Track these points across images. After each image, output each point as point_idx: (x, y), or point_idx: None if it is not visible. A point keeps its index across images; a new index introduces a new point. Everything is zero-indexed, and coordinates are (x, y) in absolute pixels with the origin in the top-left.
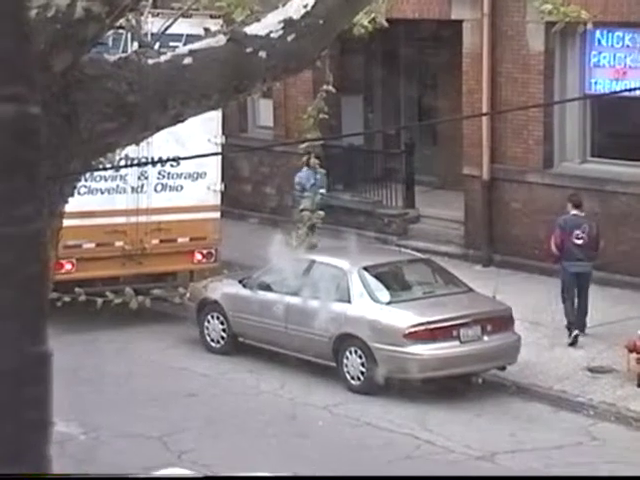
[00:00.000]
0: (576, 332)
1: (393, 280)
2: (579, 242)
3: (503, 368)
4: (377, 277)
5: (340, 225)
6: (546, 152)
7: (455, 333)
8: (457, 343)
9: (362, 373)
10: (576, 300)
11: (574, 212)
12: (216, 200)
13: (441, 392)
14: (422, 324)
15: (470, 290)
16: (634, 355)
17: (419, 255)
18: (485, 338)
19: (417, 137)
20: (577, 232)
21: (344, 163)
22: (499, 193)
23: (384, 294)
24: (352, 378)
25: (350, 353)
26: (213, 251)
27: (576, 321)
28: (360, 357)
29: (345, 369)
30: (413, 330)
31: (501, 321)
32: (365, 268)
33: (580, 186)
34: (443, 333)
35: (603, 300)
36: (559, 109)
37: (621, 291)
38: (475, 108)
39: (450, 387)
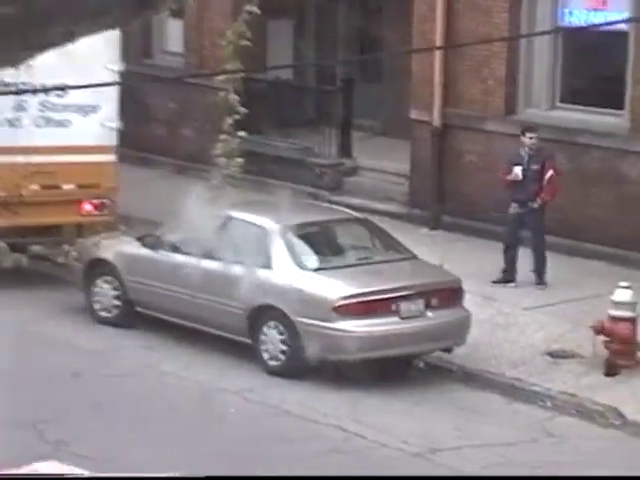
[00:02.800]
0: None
1: (323, 243)
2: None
3: (449, 350)
4: (304, 239)
5: (263, 175)
6: (509, 95)
7: (394, 307)
8: (396, 319)
9: (283, 352)
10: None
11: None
12: (112, 140)
13: (376, 376)
14: (355, 296)
15: (414, 257)
16: (602, 338)
17: (355, 214)
18: (429, 314)
19: (357, 73)
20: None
21: (269, 101)
22: (452, 142)
23: (312, 259)
24: (271, 358)
25: (269, 328)
26: (107, 202)
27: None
28: (281, 333)
29: (263, 347)
30: (344, 303)
31: (449, 294)
32: (290, 228)
33: (547, 137)
34: (380, 307)
35: (568, 273)
36: (526, 44)
37: (591, 263)
38: (427, 40)
39: (386, 371)
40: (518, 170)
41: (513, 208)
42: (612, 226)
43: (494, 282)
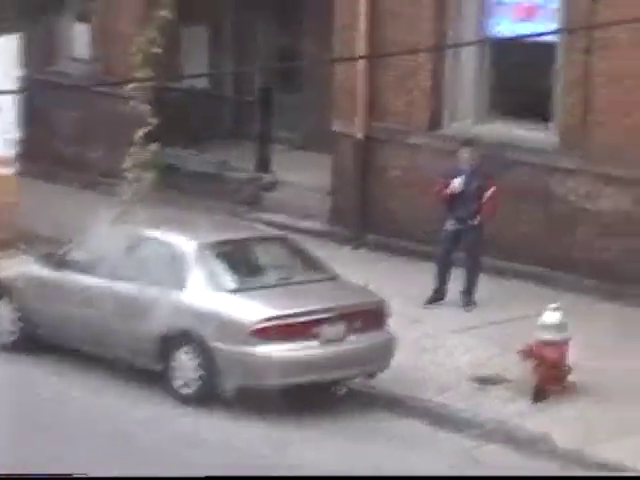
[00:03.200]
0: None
1: (241, 262)
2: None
3: (373, 375)
4: (220, 258)
5: (177, 191)
6: (434, 108)
7: (315, 331)
8: (316, 343)
9: (196, 379)
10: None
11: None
12: (9, 151)
13: (295, 404)
14: (274, 318)
15: (336, 277)
16: (530, 362)
17: (274, 232)
18: (352, 337)
19: (276, 82)
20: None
21: (183, 111)
22: (376, 157)
23: (228, 280)
24: (183, 385)
25: (182, 354)
26: (4, 218)
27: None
28: (194, 359)
29: (175, 374)
30: (263, 326)
31: (373, 316)
32: (205, 246)
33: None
34: (300, 330)
35: (497, 294)
36: (452, 55)
37: (519, 283)
38: (350, 49)
39: (306, 398)
40: (457, 182)
41: (450, 225)
42: (541, 245)
43: (427, 304)
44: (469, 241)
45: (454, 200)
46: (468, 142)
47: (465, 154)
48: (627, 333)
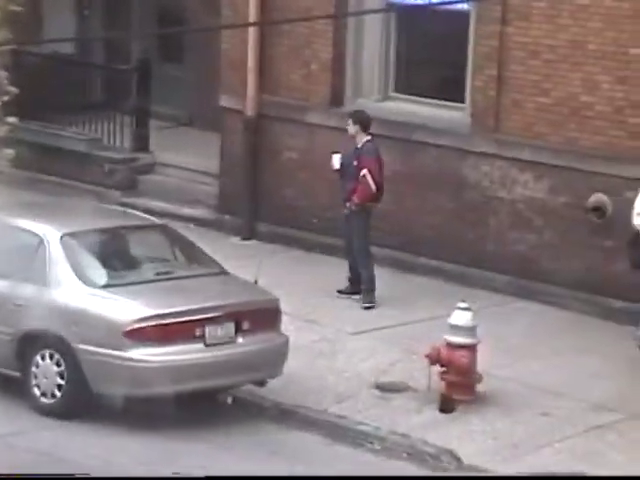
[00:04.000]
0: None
1: (113, 254)
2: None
3: (263, 383)
4: (90, 249)
5: (40, 171)
6: (335, 83)
7: (198, 332)
8: (201, 346)
9: (59, 387)
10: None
11: (368, 137)
12: None
13: (174, 415)
14: (151, 318)
15: (223, 272)
16: (437, 368)
17: (152, 220)
18: (240, 340)
19: (156, 51)
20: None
21: (46, 79)
22: (269, 136)
23: (98, 274)
24: (44, 395)
25: (43, 358)
26: None
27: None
28: (58, 364)
29: (34, 381)
30: (138, 326)
31: (264, 317)
32: (72, 235)
33: (379, 132)
34: (181, 332)
35: (401, 291)
36: (355, 24)
37: (427, 280)
38: (240, 14)
39: (187, 408)
40: (335, 159)
41: (345, 209)
42: (450, 238)
43: (340, 292)
44: (349, 227)
45: (342, 180)
46: (351, 115)
47: (349, 129)
48: (540, 334)
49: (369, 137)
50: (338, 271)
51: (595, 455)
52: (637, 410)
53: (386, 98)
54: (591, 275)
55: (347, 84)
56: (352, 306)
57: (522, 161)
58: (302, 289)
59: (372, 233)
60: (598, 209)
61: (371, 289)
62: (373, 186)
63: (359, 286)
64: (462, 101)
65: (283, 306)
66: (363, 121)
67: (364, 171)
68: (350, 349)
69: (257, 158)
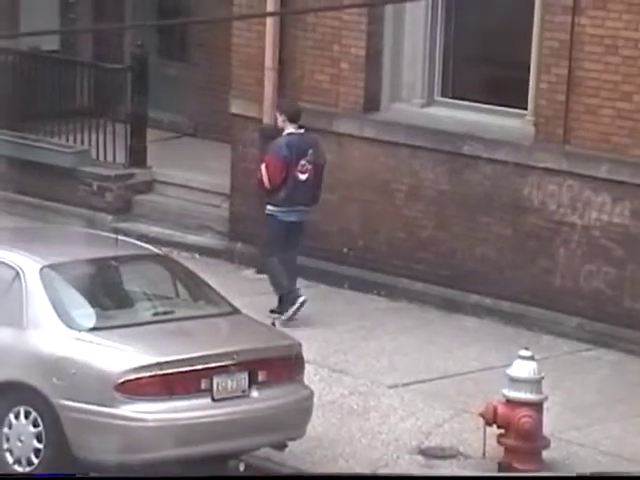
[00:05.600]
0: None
1: (102, 290)
2: (303, 177)
3: (282, 446)
4: (73, 284)
5: (14, 190)
6: (369, 85)
7: (205, 384)
8: (208, 401)
9: (37, 453)
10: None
11: (292, 130)
12: None
13: None
14: (148, 367)
15: (234, 312)
16: (494, 430)
17: (150, 249)
18: (254, 394)
19: (154, 47)
20: (302, 162)
21: (23, 80)
22: None
23: (84, 314)
24: (17, 462)
25: (16, 417)
26: None
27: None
28: (34, 424)
29: (5, 445)
30: (132, 377)
31: (283, 366)
32: (53, 267)
33: (421, 144)
34: (185, 384)
35: (448, 335)
36: (394, 14)
37: (479, 322)
38: (255, 3)
39: (191, 477)
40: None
41: None
42: (508, 272)
43: (272, 311)
44: None
45: None
46: (278, 104)
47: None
48: (621, 390)
49: (293, 130)
50: (374, 309)
51: None
52: None
53: (431, 103)
54: None
55: (384, 86)
56: (391, 351)
57: (598, 179)
58: (328, 332)
59: (413, 266)
60: None
61: (283, 308)
62: (267, 184)
63: (287, 304)
64: (524, 107)
65: (306, 353)
66: (288, 111)
67: (262, 166)
68: (387, 406)
69: None
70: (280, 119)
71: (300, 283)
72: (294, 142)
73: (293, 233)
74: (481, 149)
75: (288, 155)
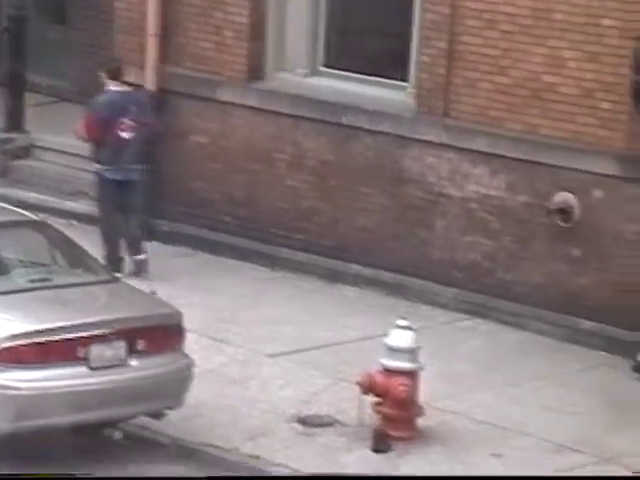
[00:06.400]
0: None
1: None
2: (126, 135)
3: (160, 415)
4: None
5: None
6: (253, 53)
7: (82, 353)
8: (84, 370)
9: None
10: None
11: (113, 87)
12: None
13: (49, 455)
14: (23, 335)
15: (113, 280)
16: (371, 398)
17: (27, 215)
18: (133, 363)
19: (33, 9)
20: (125, 120)
21: None
22: (173, 117)
23: None
24: None
25: None
26: None
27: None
28: None
29: None
30: (7, 346)
31: (162, 334)
32: None
33: (304, 114)
34: (61, 352)
35: (329, 305)
36: None
37: (359, 292)
38: None
39: (66, 446)
40: None
41: None
42: (388, 243)
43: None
44: None
45: None
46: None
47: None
48: (493, 359)
49: (114, 88)
50: (253, 279)
51: None
52: (607, 451)
53: (314, 73)
54: (554, 290)
55: (268, 55)
56: (271, 321)
57: (475, 152)
58: (212, 301)
59: (294, 235)
60: (563, 211)
61: (114, 262)
62: (85, 139)
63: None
64: (405, 79)
65: (186, 322)
66: (108, 68)
67: (81, 121)
68: (266, 375)
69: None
70: (103, 76)
71: (181, 251)
72: (115, 100)
73: (124, 193)
74: (363, 120)
75: (106, 113)
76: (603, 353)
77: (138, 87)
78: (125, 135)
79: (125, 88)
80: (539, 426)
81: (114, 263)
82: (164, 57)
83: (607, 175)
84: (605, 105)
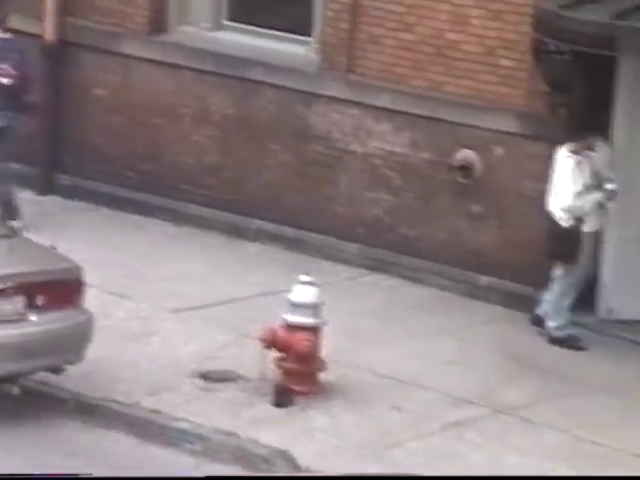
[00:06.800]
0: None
1: None
2: (4, 81)
3: (59, 370)
4: None
5: None
6: (156, 6)
7: None
8: None
9: None
10: None
11: None
12: None
13: None
14: None
15: (11, 234)
16: (273, 353)
17: None
18: (32, 318)
19: None
20: (3, 66)
21: None
22: (73, 69)
23: None
24: None
25: None
26: None
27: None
28: None
29: None
30: None
31: (62, 289)
32: None
33: (208, 68)
34: None
35: (231, 260)
36: None
37: (262, 248)
38: None
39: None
40: None
41: None
42: (291, 199)
43: None
44: None
45: None
46: None
47: None
48: (394, 314)
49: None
50: (156, 234)
51: (453, 456)
52: (501, 403)
53: (218, 27)
54: (455, 246)
55: (170, 8)
56: (174, 276)
57: (379, 109)
58: (112, 255)
59: (198, 191)
60: (464, 168)
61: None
62: None
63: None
64: (309, 34)
65: (87, 277)
66: None
67: None
68: (168, 330)
69: (58, 94)
70: None
71: (83, 206)
72: None
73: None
74: (266, 75)
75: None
76: (502, 308)
77: (34, 36)
78: (3, 80)
79: (7, 35)
80: (438, 380)
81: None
82: (64, 9)
83: (507, 133)
84: (506, 63)
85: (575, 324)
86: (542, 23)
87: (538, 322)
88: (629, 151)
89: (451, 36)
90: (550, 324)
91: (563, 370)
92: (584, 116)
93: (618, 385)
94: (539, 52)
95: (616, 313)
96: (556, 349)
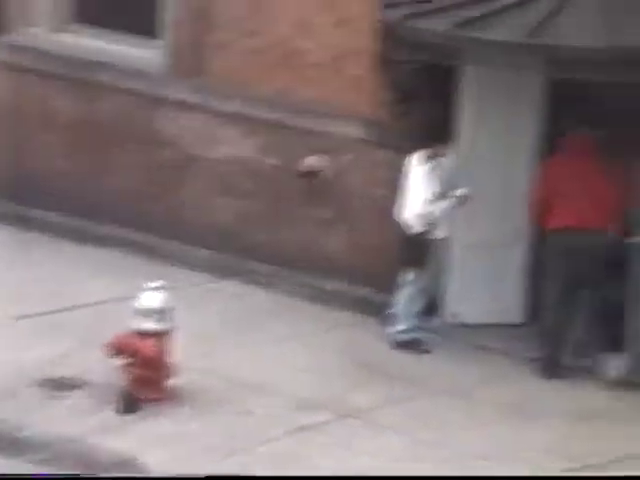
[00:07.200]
0: None
1: None
2: None
3: None
4: None
5: None
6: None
7: None
8: None
9: None
10: None
11: None
12: None
13: None
14: None
15: None
16: (120, 360)
17: None
18: None
19: None
20: None
21: None
22: None
23: None
24: None
25: None
26: None
27: None
28: None
29: None
30: None
31: None
32: None
33: (52, 70)
34: None
35: (76, 267)
36: None
37: (109, 253)
38: None
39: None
40: None
41: None
42: (138, 204)
43: None
44: None
45: None
46: None
47: None
48: (241, 319)
49: None
50: (2, 240)
51: (300, 459)
52: (346, 408)
53: (63, 29)
54: (304, 251)
55: (13, 9)
56: (19, 282)
57: (228, 114)
58: None
59: (45, 196)
60: (312, 173)
61: None
62: None
63: None
64: (157, 37)
65: None
66: None
67: None
68: (12, 336)
69: None
70: None
71: None
72: None
73: None
74: (112, 78)
75: None
76: (351, 313)
77: None
78: None
79: None
80: (286, 385)
81: None
82: None
83: (354, 139)
84: (353, 70)
85: (421, 328)
86: (388, 32)
87: (387, 322)
88: (473, 158)
89: (298, 43)
90: (396, 328)
91: (409, 374)
92: (431, 124)
93: (461, 387)
94: (386, 61)
95: (460, 317)
96: (402, 353)
